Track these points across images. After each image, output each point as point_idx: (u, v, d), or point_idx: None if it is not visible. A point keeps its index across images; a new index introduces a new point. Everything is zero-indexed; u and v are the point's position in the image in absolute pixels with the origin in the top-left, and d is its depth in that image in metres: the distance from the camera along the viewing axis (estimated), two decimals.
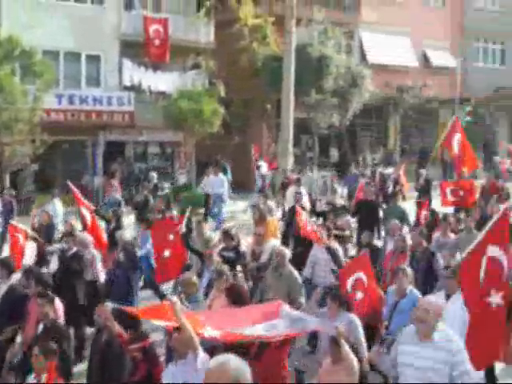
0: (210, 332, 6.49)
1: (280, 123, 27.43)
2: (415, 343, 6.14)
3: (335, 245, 11.23)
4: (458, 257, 10.28)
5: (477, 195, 17.26)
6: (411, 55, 34.49)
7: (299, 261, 11.47)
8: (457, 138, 15.76)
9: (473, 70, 36.91)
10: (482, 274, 6.62)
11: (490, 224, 6.90)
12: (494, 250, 6.65)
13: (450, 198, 16.27)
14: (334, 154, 32.94)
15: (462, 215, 14.43)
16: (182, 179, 26.80)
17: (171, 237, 11.65)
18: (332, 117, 29.24)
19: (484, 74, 37.21)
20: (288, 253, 10.22)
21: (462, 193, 16.08)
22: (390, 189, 21.10)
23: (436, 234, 12.62)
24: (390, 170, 23.46)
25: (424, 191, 19.72)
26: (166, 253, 11.68)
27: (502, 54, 39.21)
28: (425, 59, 35.24)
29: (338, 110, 29.44)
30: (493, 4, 38.61)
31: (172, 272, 11.55)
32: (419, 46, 34.77)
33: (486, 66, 38.25)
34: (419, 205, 16.22)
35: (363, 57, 32.68)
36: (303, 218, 12.22)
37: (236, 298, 8.07)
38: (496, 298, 6.63)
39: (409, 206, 17.56)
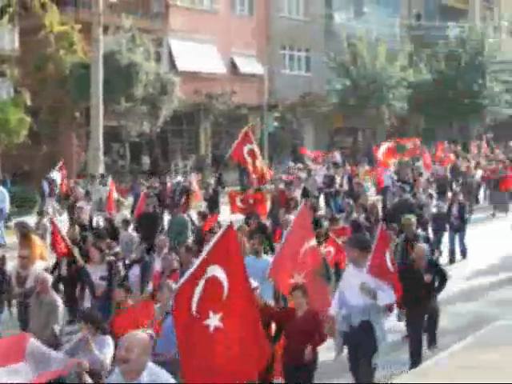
0: None
1: (90, 131, 28.73)
2: None
3: (91, 266, 11.40)
4: None
5: (268, 204, 18.65)
6: (219, 62, 36.96)
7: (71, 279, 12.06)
8: (247, 148, 16.96)
9: (279, 77, 40.21)
10: (197, 296, 6.58)
11: (212, 242, 6.86)
12: (215, 270, 6.64)
13: (239, 204, 17.53)
14: (146, 161, 34.56)
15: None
16: None
17: None
18: (142, 124, 30.93)
19: (290, 80, 40.67)
20: (50, 278, 10.05)
21: (251, 200, 17.34)
22: (179, 198, 21.49)
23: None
24: (179, 179, 24.22)
25: (212, 201, 20.83)
26: None
27: (307, 60, 42.95)
28: (233, 66, 37.91)
29: (149, 117, 31.16)
30: (297, 13, 42.24)
31: None
32: (227, 53, 37.37)
33: (292, 73, 41.75)
34: (203, 216, 16.24)
35: (172, 64, 34.63)
36: (60, 235, 12.35)
37: None
38: (214, 321, 6.61)
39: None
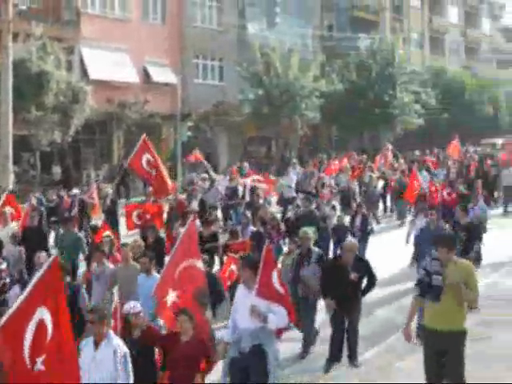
0: None
1: None
2: None
3: None
4: (115, 290, 10.51)
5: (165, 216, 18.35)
6: (132, 71, 37.33)
7: None
8: (146, 158, 16.73)
9: (193, 86, 40.84)
10: (28, 339, 6.39)
11: (35, 279, 6.53)
12: (42, 312, 6.41)
13: (135, 221, 17.19)
14: (57, 171, 34.34)
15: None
16: None
17: None
18: (53, 133, 30.92)
19: (204, 89, 41.36)
20: None
21: (148, 216, 17.03)
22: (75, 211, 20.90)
23: (94, 265, 12.43)
24: (75, 191, 23.58)
25: (110, 212, 20.24)
26: None
27: (220, 70, 43.79)
28: (145, 75, 38.32)
29: (60, 126, 31.19)
30: (210, 22, 43.04)
31: None
32: (140, 61, 37.78)
33: (205, 82, 42.51)
34: (93, 230, 15.99)
35: (84, 72, 34.80)
36: None
37: None
38: (38, 365, 6.42)
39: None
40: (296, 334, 11.72)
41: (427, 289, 8.46)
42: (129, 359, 7.82)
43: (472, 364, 9.73)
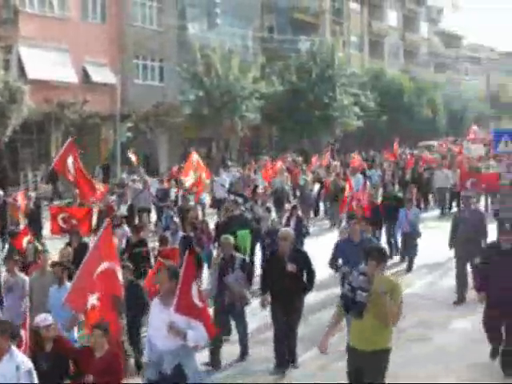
0: None
1: None
2: None
3: None
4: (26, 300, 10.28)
5: (94, 221, 17.96)
6: (71, 71, 37.16)
7: None
8: (71, 161, 16.40)
9: (133, 87, 40.87)
10: None
11: None
12: None
13: (61, 224, 16.77)
14: None
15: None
16: None
17: None
18: None
19: (144, 90, 41.42)
20: None
21: (75, 221, 16.65)
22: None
23: (6, 275, 12.09)
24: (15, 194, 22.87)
25: (32, 216, 19.88)
26: None
27: (160, 71, 43.88)
28: (85, 75, 38.19)
29: None
30: (151, 23, 43.09)
31: None
32: (79, 61, 37.62)
33: (145, 83, 42.56)
34: (11, 235, 15.53)
35: (22, 72, 34.42)
36: None
37: None
38: None
39: None
40: (234, 336, 11.84)
41: (350, 305, 8.16)
42: (34, 375, 7.52)
43: (408, 365, 10.13)
